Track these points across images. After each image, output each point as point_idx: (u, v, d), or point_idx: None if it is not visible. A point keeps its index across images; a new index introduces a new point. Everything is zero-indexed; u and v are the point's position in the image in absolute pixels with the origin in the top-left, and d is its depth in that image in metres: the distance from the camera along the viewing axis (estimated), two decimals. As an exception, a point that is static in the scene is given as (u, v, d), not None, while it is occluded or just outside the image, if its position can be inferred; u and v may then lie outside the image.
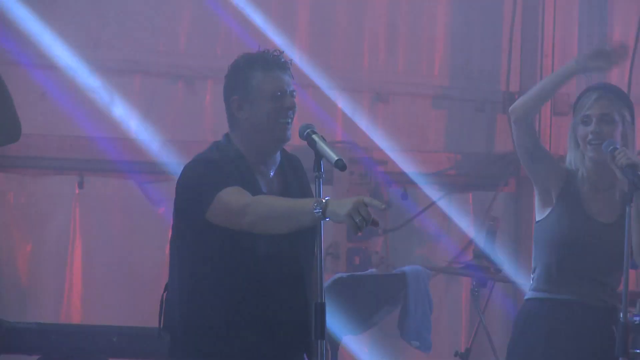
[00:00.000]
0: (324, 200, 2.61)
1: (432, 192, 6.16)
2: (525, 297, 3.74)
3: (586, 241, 3.49)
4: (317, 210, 2.60)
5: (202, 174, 2.89)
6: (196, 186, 2.88)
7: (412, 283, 4.71)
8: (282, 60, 2.97)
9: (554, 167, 3.61)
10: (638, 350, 4.57)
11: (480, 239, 5.66)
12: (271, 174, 3.00)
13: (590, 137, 3.47)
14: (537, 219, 3.65)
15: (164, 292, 3.00)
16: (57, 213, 5.45)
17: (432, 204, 6.04)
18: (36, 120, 5.27)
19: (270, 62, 2.95)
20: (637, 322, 4.55)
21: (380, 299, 4.77)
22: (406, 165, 6.05)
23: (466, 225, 6.16)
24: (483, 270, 4.96)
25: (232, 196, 2.79)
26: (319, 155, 2.75)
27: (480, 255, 5.10)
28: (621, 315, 3.40)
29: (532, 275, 3.75)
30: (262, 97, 2.91)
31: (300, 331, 2.84)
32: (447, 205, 6.12)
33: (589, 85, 3.71)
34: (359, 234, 2.70)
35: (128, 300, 5.44)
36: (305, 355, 2.94)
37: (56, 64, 5.43)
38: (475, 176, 6.09)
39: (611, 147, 3.36)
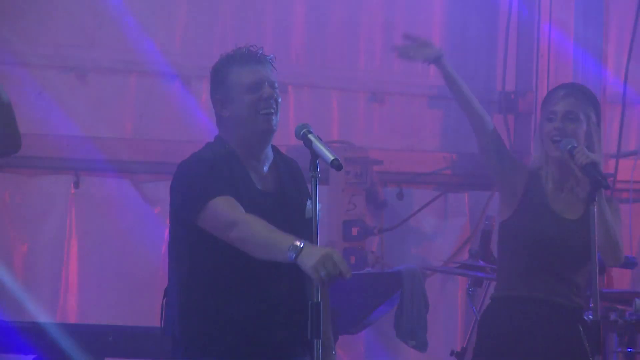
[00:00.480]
0: (300, 245, 2.62)
1: (428, 192, 6.17)
2: (492, 295, 3.74)
3: (553, 238, 3.51)
4: (291, 255, 2.62)
5: (195, 176, 2.90)
6: (188, 190, 2.90)
7: (408, 282, 4.72)
8: (258, 53, 2.98)
9: (518, 166, 3.63)
10: (635, 350, 4.63)
11: (476, 239, 5.67)
12: (265, 169, 3.00)
13: (553, 132, 3.49)
14: (501, 219, 3.66)
15: (164, 297, 3.00)
16: (53, 212, 5.44)
17: (428, 203, 6.04)
18: (32, 120, 5.26)
19: (245, 57, 2.97)
20: (633, 321, 4.59)
21: (376, 298, 4.77)
22: (402, 165, 6.06)
23: (462, 224, 6.17)
24: (479, 269, 4.96)
25: (223, 208, 2.79)
26: (315, 155, 2.77)
27: (476, 254, 5.10)
28: (587, 314, 3.43)
29: (497, 274, 3.78)
30: (241, 91, 2.94)
31: (300, 330, 2.82)
32: (443, 204, 6.14)
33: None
34: (323, 286, 2.71)
35: (124, 299, 5.43)
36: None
37: (52, 63, 5.43)
38: (471, 176, 6.09)
39: (570, 146, 3.38)
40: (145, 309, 5.29)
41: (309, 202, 2.80)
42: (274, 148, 3.06)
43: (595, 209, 3.24)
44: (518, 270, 3.55)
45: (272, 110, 2.94)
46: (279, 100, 2.98)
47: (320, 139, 2.80)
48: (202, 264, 2.90)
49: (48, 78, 5.41)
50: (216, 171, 2.88)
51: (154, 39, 5.69)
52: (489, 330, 3.63)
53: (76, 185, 5.43)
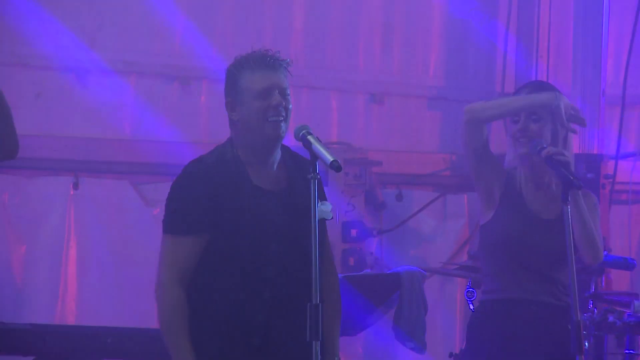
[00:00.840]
0: None
1: (427, 193, 6.17)
2: (479, 300, 3.74)
3: (532, 238, 3.51)
4: None
5: (180, 195, 2.93)
6: (169, 207, 2.94)
7: (407, 284, 4.71)
8: (271, 59, 2.95)
9: (497, 168, 3.62)
10: (633, 352, 4.63)
11: (475, 240, 5.67)
12: (273, 169, 2.99)
13: (517, 134, 3.49)
14: (481, 222, 3.66)
15: None
16: (52, 214, 5.44)
17: (427, 205, 6.05)
18: (31, 121, 5.26)
19: (257, 61, 2.93)
20: (631, 323, 4.59)
21: (374, 300, 4.76)
22: (401, 166, 6.06)
23: (461, 226, 6.17)
24: (477, 271, 4.96)
25: (169, 258, 2.87)
26: (314, 157, 2.76)
27: (475, 256, 5.09)
28: (575, 313, 3.42)
29: (482, 278, 3.77)
30: (250, 96, 2.91)
31: (304, 334, 2.80)
32: (442, 206, 6.14)
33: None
34: None
35: (123, 301, 5.43)
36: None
37: (51, 64, 5.44)
38: (470, 177, 6.09)
39: (539, 147, 3.37)
40: (143, 310, 5.29)
41: (322, 204, 2.80)
42: (283, 147, 3.03)
43: (570, 209, 3.24)
44: (502, 273, 3.54)
45: (281, 118, 2.91)
46: (290, 107, 2.95)
47: (319, 140, 2.80)
48: (201, 271, 2.91)
49: (47, 79, 5.42)
50: (207, 192, 2.89)
51: (153, 40, 5.70)
52: (478, 334, 3.62)
53: (75, 186, 5.43)
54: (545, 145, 3.38)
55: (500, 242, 3.55)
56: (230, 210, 2.88)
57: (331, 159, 2.71)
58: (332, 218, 3.00)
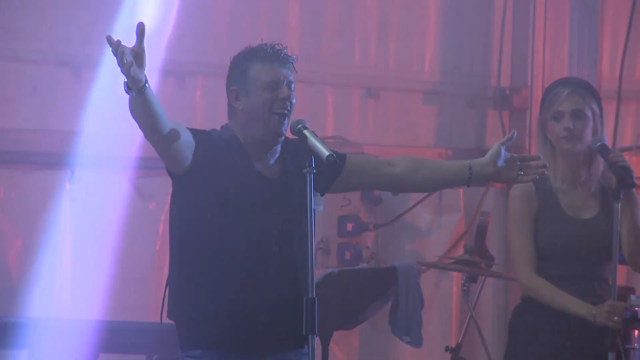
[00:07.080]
0: None
1: (424, 188, 6.17)
2: (521, 297, 3.75)
3: (574, 242, 3.53)
4: None
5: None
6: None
7: (403, 278, 4.70)
8: (282, 54, 3.02)
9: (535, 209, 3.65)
10: (629, 346, 4.64)
11: (471, 235, 5.68)
12: (271, 162, 3.03)
13: (563, 133, 3.51)
14: None
15: (166, 287, 3.02)
16: (48, 208, 5.43)
17: (423, 199, 6.04)
18: (27, 115, 5.27)
19: (269, 54, 3.00)
20: (627, 317, 4.59)
21: (370, 294, 4.75)
22: (397, 161, 6.06)
23: (457, 220, 6.17)
24: (474, 265, 4.96)
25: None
26: (310, 151, 2.78)
27: (471, 250, 5.10)
28: None
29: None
30: (258, 87, 2.95)
31: (292, 323, 2.83)
32: (437, 200, 6.14)
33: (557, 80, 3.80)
34: None
35: (118, 295, 5.43)
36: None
37: (47, 59, 5.43)
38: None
39: (599, 144, 3.43)
40: (139, 304, 5.30)
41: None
42: (285, 140, 3.06)
43: (621, 207, 3.34)
44: (548, 278, 3.56)
45: (286, 112, 2.96)
46: (294, 102, 3.01)
47: (315, 135, 2.82)
48: (196, 255, 2.93)
49: (43, 74, 5.41)
50: (212, 151, 2.94)
51: (147, 35, 5.67)
52: (524, 332, 3.65)
53: (71, 180, 5.43)
54: (605, 142, 3.47)
55: (543, 249, 3.56)
56: (232, 184, 2.92)
57: (327, 153, 2.74)
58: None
